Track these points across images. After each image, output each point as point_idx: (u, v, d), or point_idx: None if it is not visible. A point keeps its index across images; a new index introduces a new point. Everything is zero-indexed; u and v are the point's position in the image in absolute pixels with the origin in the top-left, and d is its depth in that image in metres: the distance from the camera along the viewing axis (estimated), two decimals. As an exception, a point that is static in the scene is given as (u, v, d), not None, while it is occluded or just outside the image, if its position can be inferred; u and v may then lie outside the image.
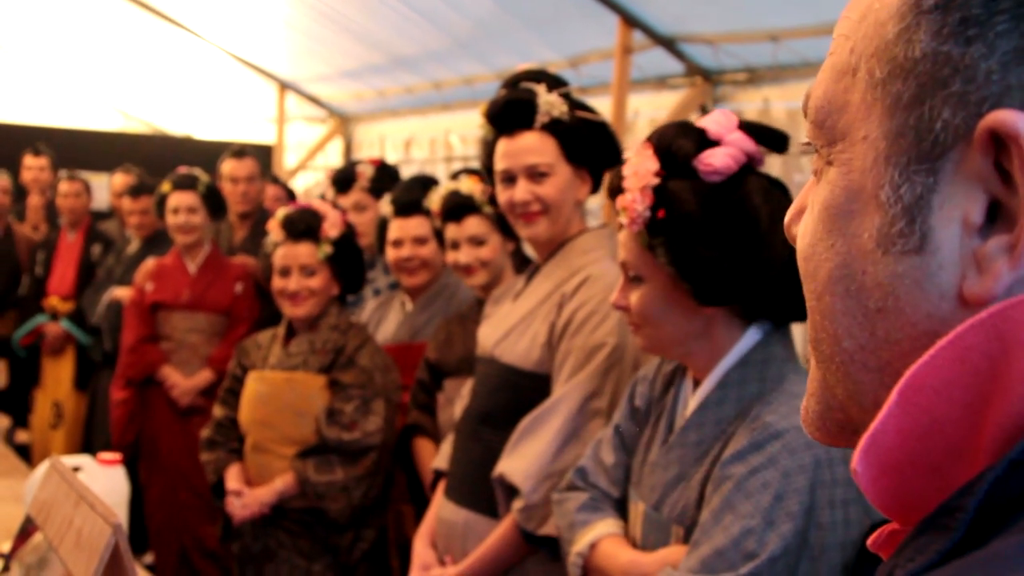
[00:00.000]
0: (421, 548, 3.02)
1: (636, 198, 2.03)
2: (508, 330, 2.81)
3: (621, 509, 2.29)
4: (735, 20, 5.13)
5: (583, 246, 2.82)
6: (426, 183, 4.14)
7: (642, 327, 2.13)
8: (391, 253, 4.06)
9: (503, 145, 2.79)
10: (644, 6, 5.39)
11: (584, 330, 2.65)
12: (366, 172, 4.74)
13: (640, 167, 2.05)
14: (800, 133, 5.20)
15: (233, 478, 3.72)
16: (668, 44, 5.58)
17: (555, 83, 2.79)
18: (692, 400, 2.14)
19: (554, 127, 2.73)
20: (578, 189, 2.78)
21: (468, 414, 2.90)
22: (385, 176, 4.79)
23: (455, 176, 3.74)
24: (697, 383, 2.16)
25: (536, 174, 2.75)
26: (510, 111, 2.77)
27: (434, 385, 3.80)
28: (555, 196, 2.75)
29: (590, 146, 2.76)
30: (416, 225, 4.09)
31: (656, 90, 6.01)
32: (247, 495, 3.64)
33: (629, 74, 5.70)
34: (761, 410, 1.99)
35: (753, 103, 5.47)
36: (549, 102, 2.72)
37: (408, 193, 4.12)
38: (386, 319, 4.27)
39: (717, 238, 2.00)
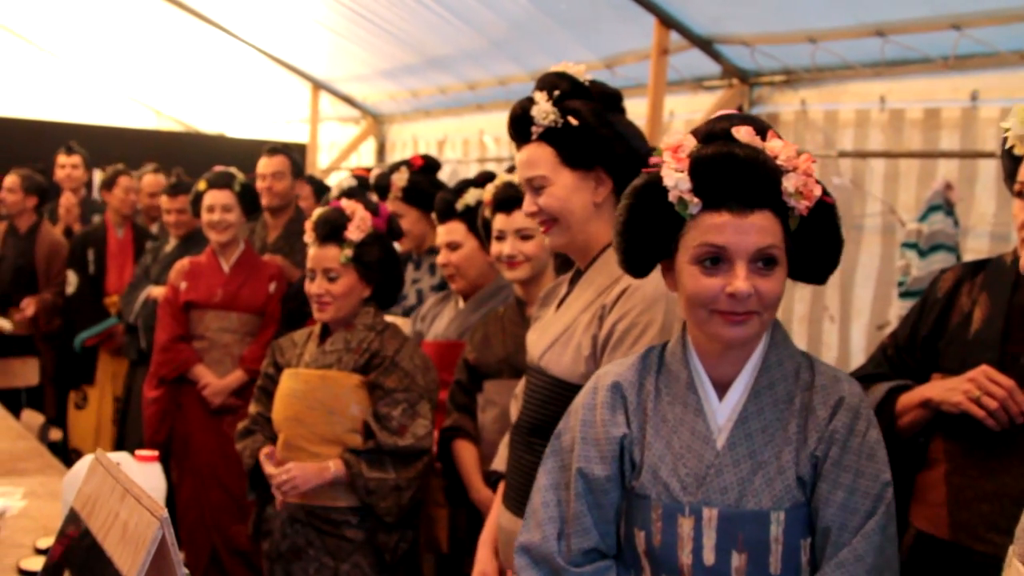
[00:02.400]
0: (484, 554, 3.00)
1: (812, 182, 2.08)
2: (553, 340, 2.78)
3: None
4: (772, 21, 5.10)
5: None
6: (462, 186, 4.16)
7: (763, 313, 2.10)
8: (438, 258, 4.13)
9: (518, 157, 2.82)
10: (681, 7, 5.37)
11: (624, 343, 2.62)
12: (398, 182, 4.73)
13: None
14: (839, 136, 5.18)
15: (269, 454, 3.71)
16: (705, 45, 5.56)
17: (574, 85, 2.75)
18: (732, 392, 2.16)
19: (549, 136, 2.71)
20: (589, 192, 2.74)
21: (520, 425, 2.88)
22: (423, 180, 4.78)
23: (511, 169, 3.75)
24: (713, 381, 2.18)
25: (535, 186, 2.75)
26: (513, 126, 2.79)
27: (473, 386, 3.79)
28: (554, 205, 2.72)
29: (591, 148, 2.71)
30: (447, 231, 4.12)
31: (692, 91, 5.99)
32: (294, 465, 3.63)
33: (665, 75, 5.68)
34: (820, 378, 2.18)
35: (791, 105, 5.44)
36: (542, 111, 2.70)
37: (443, 197, 4.17)
38: (440, 316, 4.28)
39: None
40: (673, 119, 6.03)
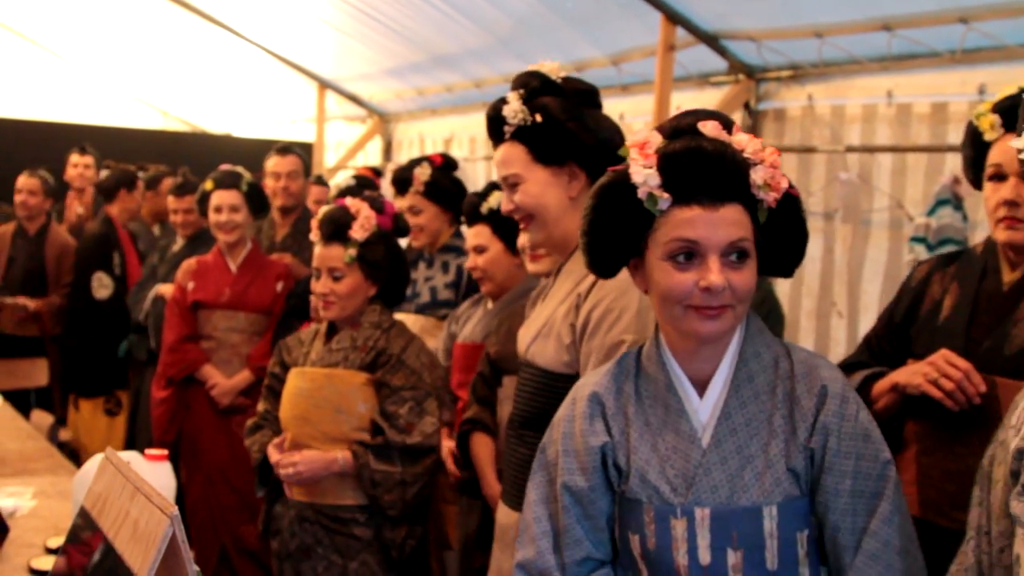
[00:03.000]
0: None
1: (779, 175, 2.06)
2: (536, 333, 2.82)
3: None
4: (779, 16, 5.10)
5: None
6: (487, 189, 4.17)
7: (737, 306, 2.06)
8: (467, 262, 4.16)
9: (495, 157, 2.87)
10: (687, 3, 5.37)
11: (600, 330, 2.65)
12: (421, 176, 4.73)
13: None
14: (846, 131, 5.17)
15: (278, 444, 3.72)
16: (711, 41, 5.56)
17: (544, 83, 2.77)
18: (712, 388, 2.14)
19: (520, 134, 2.75)
20: (563, 187, 2.77)
21: (512, 419, 2.91)
22: (443, 177, 4.77)
23: None
24: (691, 379, 2.15)
25: (510, 185, 2.79)
26: (488, 127, 2.83)
27: (495, 380, 3.79)
28: (528, 202, 2.77)
29: (560, 143, 2.74)
30: (474, 234, 4.13)
31: (699, 87, 5.98)
32: (301, 457, 3.63)
33: (672, 71, 5.68)
34: (799, 366, 2.16)
35: (797, 100, 5.43)
36: (512, 110, 2.73)
37: (469, 201, 4.19)
38: (472, 318, 4.28)
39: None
40: (680, 115, 6.02)
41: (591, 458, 2.19)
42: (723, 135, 2.07)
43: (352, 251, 3.68)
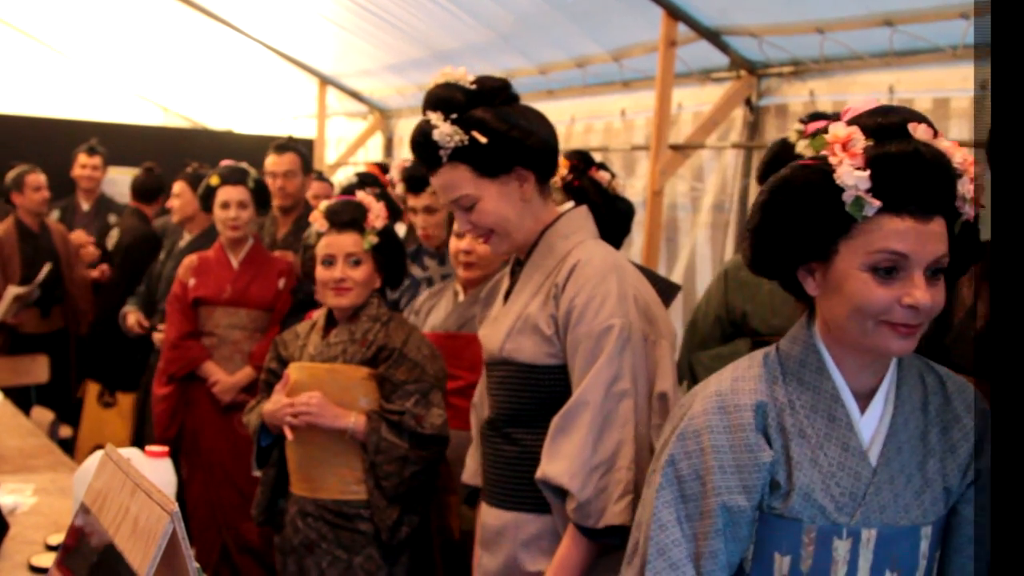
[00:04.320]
0: None
1: (979, 188, 1.95)
2: (509, 329, 2.80)
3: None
4: (780, 12, 5.09)
5: (563, 231, 2.82)
6: None
7: (925, 324, 1.95)
8: (452, 244, 4.09)
9: (433, 182, 2.83)
10: (689, -2, 5.37)
11: (586, 317, 2.64)
12: None
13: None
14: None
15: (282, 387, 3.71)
16: (713, 37, 5.54)
17: (467, 96, 2.73)
18: (875, 403, 2.04)
19: (459, 155, 2.71)
20: (516, 193, 2.76)
21: (495, 420, 2.89)
22: None
23: None
24: (852, 391, 2.04)
25: (463, 207, 2.77)
26: (419, 154, 2.78)
27: None
28: (488, 219, 2.76)
29: (505, 153, 2.71)
30: None
31: (700, 83, 5.97)
32: (319, 395, 3.61)
33: (673, 67, 5.67)
34: (950, 383, 2.10)
35: (799, 96, 5.42)
36: (444, 134, 2.68)
37: None
38: (437, 307, 4.25)
39: None
40: (681, 111, 6.02)
41: (759, 475, 2.03)
42: (933, 140, 1.92)
43: (372, 238, 3.69)
